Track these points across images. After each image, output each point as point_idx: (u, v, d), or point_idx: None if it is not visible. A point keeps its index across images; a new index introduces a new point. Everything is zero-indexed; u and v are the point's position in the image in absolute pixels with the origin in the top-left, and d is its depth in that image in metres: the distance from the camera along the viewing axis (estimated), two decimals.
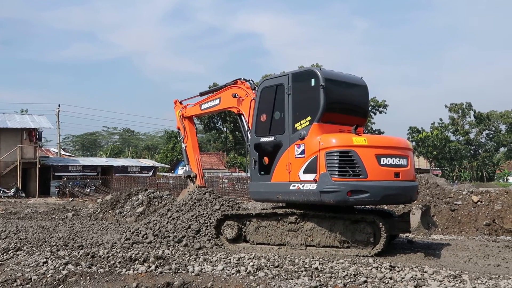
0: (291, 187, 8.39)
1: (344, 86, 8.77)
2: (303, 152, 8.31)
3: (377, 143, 8.32)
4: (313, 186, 8.06)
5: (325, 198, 7.95)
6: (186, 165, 13.30)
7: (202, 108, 12.34)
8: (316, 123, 8.23)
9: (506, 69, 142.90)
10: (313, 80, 8.34)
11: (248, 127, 10.20)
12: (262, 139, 9.03)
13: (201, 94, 12.61)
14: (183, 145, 13.22)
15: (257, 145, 9.10)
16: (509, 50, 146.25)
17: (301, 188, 8.24)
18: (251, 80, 10.84)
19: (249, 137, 10.08)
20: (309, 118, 8.32)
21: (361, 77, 9.33)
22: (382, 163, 8.05)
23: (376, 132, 58.81)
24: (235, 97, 10.70)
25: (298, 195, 8.30)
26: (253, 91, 10.40)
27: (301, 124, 8.40)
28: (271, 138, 8.85)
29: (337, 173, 7.86)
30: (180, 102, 13.28)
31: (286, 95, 8.64)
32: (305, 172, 8.23)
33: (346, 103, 8.87)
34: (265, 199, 9.39)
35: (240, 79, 11.01)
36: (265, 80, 9.32)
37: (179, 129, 13.35)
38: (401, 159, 8.37)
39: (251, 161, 9.15)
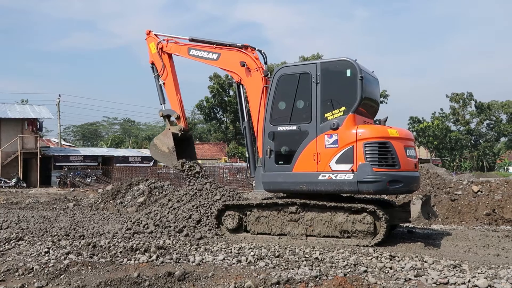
0: (320, 177, 8.35)
1: (369, 79, 8.80)
2: (335, 142, 8.27)
3: (403, 135, 8.53)
4: (349, 176, 8.09)
5: (363, 188, 8.05)
6: (163, 105, 11.93)
7: (191, 53, 10.98)
8: (352, 114, 8.24)
9: (507, 58, 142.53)
10: (349, 71, 8.31)
11: (247, 101, 9.83)
12: (280, 128, 8.80)
13: (193, 40, 11.12)
14: (160, 82, 11.78)
15: (273, 134, 8.87)
16: (510, 40, 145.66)
17: (334, 178, 8.23)
18: (264, 52, 10.03)
19: (245, 113, 9.91)
20: (343, 108, 8.29)
21: (373, 71, 9.31)
22: (407, 154, 8.38)
23: (377, 122, 58.69)
24: (243, 66, 9.76)
25: (329, 185, 8.29)
26: (263, 67, 9.81)
27: (332, 114, 8.36)
28: (293, 127, 8.69)
29: (377, 163, 7.99)
30: (156, 35, 11.77)
31: (314, 84, 8.54)
32: (338, 162, 8.23)
33: (370, 96, 8.88)
34: (284, 190, 9.12)
35: (250, 46, 10.10)
36: (283, 68, 9.09)
37: (152, 64, 11.89)
38: (414, 151, 8.77)
39: (264, 150, 8.95)
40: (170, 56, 11.74)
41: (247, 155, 10.03)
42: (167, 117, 11.74)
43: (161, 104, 11.97)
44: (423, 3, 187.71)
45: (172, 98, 11.82)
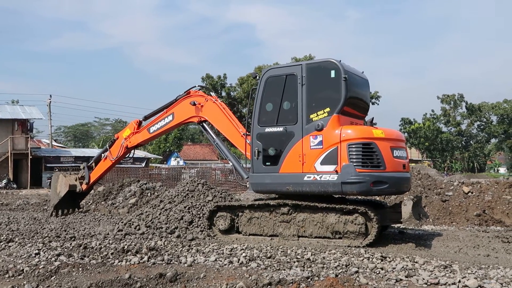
0: (305, 178, 8.35)
1: (357, 80, 8.82)
2: (320, 143, 8.27)
3: (390, 136, 8.50)
4: (334, 177, 8.09)
5: (347, 189, 8.03)
6: (93, 163, 13.40)
7: (151, 131, 11.80)
8: (336, 114, 8.24)
9: (498, 60, 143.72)
10: (333, 72, 8.32)
11: (212, 131, 10.55)
12: (268, 129, 8.82)
13: (146, 118, 12.25)
14: (103, 155, 13.05)
15: (260, 135, 8.89)
16: (501, 42, 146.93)
17: (318, 179, 8.23)
18: (205, 86, 10.85)
19: (216, 139, 10.51)
20: (328, 109, 8.30)
21: (362, 72, 9.34)
22: (394, 155, 8.33)
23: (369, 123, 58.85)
24: (194, 104, 10.55)
25: (314, 186, 8.29)
26: (210, 95, 10.60)
27: (317, 115, 8.37)
28: (280, 128, 8.69)
29: (361, 164, 7.97)
30: (139, 124, 12.50)
31: (299, 85, 8.55)
32: (323, 163, 8.23)
33: (357, 97, 8.89)
34: (272, 191, 9.15)
35: (194, 87, 10.96)
36: (271, 69, 9.16)
37: (116, 138, 12.87)
38: (404, 151, 8.74)
39: (253, 151, 8.97)
40: (130, 148, 12.70)
41: (230, 164, 10.46)
42: (84, 169, 13.46)
43: (91, 162, 13.59)
44: (415, 5, 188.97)
45: (97, 171, 13.25)
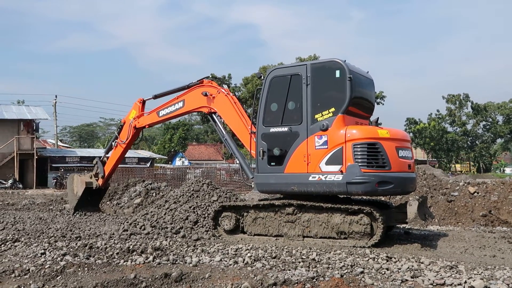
0: (310, 178, 8.35)
1: (361, 80, 8.80)
2: (325, 143, 8.27)
3: (395, 136, 8.47)
4: (339, 177, 8.08)
5: (352, 189, 8.02)
6: (104, 157, 13.38)
7: (160, 114, 11.80)
8: (341, 114, 8.23)
9: (503, 60, 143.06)
10: (338, 72, 8.31)
11: (221, 124, 10.52)
12: (273, 129, 8.82)
13: (156, 97, 12.16)
14: (114, 143, 13.06)
15: (265, 135, 8.89)
16: (506, 41, 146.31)
17: (323, 179, 8.22)
18: (219, 78, 10.77)
19: (226, 135, 10.44)
20: (333, 109, 8.29)
21: (367, 71, 9.32)
22: (400, 155, 8.29)
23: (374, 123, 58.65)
24: (205, 95, 10.49)
25: (319, 186, 8.29)
26: (223, 87, 10.53)
27: (322, 115, 8.36)
28: (284, 128, 8.69)
29: (366, 164, 7.96)
30: (143, 103, 12.55)
31: (304, 85, 8.55)
32: (328, 163, 8.22)
33: (362, 97, 8.87)
34: (276, 191, 9.15)
35: (207, 77, 10.92)
36: (275, 69, 9.16)
37: (123, 124, 12.89)
38: (409, 152, 8.71)
39: (257, 151, 8.98)
40: (140, 129, 12.72)
41: (237, 162, 10.38)
42: (97, 165, 13.37)
43: (103, 156, 13.48)
44: (418, 5, 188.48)
45: (110, 161, 13.19)
